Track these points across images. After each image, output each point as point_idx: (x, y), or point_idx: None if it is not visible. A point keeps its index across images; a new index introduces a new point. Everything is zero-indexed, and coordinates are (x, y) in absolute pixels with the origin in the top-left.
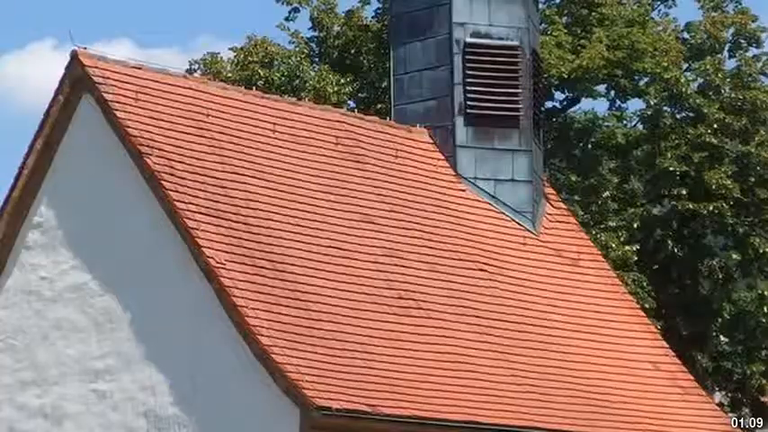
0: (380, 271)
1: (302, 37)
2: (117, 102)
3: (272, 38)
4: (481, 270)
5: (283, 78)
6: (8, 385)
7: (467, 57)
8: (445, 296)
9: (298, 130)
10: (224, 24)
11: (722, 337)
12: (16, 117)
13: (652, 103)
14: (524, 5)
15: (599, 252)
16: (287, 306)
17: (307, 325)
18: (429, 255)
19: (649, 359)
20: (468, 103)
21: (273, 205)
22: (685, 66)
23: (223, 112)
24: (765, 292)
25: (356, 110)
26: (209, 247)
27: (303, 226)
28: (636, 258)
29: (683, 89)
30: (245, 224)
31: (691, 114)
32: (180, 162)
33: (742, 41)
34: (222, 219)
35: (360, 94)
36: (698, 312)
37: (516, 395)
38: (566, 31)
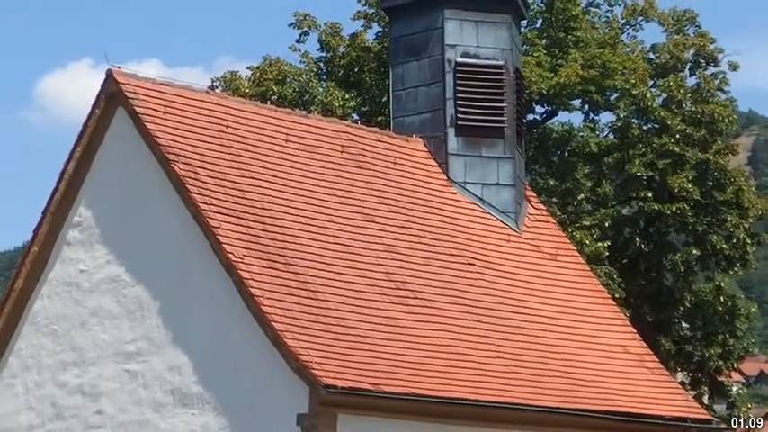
0: (381, 265)
1: (311, 57)
2: (147, 114)
3: (285, 58)
4: (470, 264)
5: (295, 94)
6: (51, 366)
7: (457, 75)
8: (438, 287)
9: (307, 140)
10: (242, 46)
11: (684, 324)
12: (58, 128)
13: (621, 115)
14: (508, 29)
15: (574, 248)
16: (298, 296)
17: (315, 313)
18: (424, 250)
19: (619, 343)
20: (459, 115)
21: (286, 206)
22: (651, 83)
23: (241, 124)
24: (722, 284)
25: (359, 122)
26: (228, 244)
27: (312, 225)
28: (607, 253)
29: (649, 103)
30: (261, 223)
31: (656, 126)
32: (203, 168)
33: (701, 61)
34: (240, 218)
35: (362, 108)
36: (662, 301)
37: (502, 374)
38: (545, 52)
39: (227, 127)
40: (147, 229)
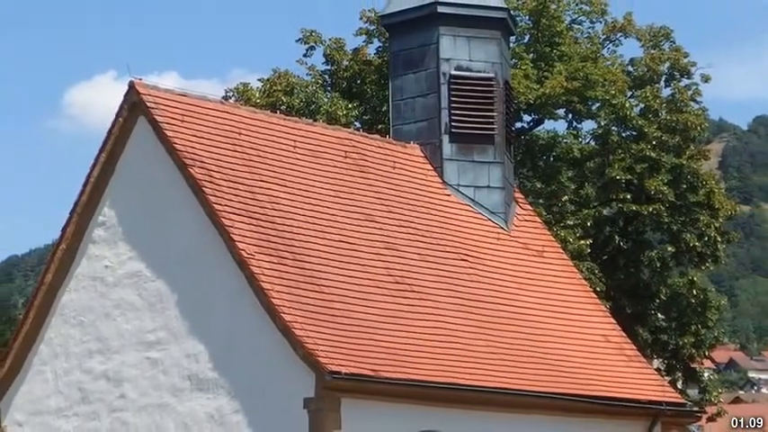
0: (381, 261)
1: (317, 70)
2: (166, 122)
3: (293, 71)
4: (463, 260)
5: (302, 104)
6: (78, 354)
7: (451, 86)
8: (434, 281)
9: (313, 146)
10: (254, 60)
11: (659, 315)
12: (84, 135)
13: (602, 123)
14: (498, 44)
15: (559, 245)
16: (305, 289)
17: (321, 305)
18: (421, 247)
19: (600, 332)
20: (453, 123)
21: (294, 207)
22: (629, 93)
23: (253, 131)
24: (694, 279)
25: (361, 129)
26: (241, 242)
27: (318, 224)
28: (589, 250)
29: (628, 112)
30: (270, 223)
31: (634, 133)
32: (217, 172)
33: (676, 73)
34: (252, 218)
35: (364, 117)
36: (639, 295)
37: (492, 362)
38: (532, 65)
39: (240, 134)
40: (166, 228)
